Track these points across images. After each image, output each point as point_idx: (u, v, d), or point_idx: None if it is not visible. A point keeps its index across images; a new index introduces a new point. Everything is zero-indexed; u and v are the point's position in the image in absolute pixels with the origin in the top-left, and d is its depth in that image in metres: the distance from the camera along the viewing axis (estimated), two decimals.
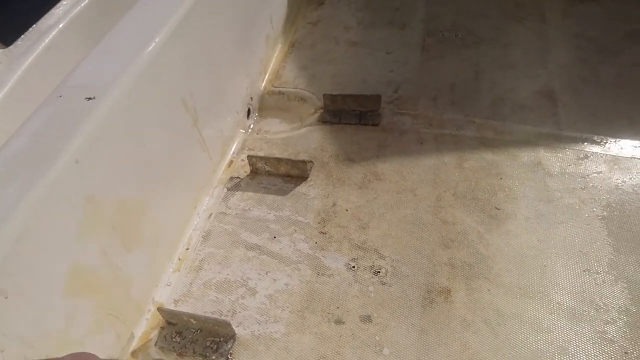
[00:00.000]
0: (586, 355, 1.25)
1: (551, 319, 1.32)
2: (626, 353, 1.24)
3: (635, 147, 1.73)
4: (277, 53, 2.31)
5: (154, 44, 1.39)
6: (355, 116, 1.93)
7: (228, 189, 1.76)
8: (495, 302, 1.37)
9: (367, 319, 1.37)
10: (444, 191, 1.66)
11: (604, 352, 1.25)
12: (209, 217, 1.68)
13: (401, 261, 1.49)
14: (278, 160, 1.75)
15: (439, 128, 1.87)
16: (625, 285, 1.37)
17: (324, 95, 1.95)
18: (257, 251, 1.56)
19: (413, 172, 1.73)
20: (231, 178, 1.80)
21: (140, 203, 1.38)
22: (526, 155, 1.74)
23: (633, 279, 1.38)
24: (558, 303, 1.35)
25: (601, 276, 1.39)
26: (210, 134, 1.73)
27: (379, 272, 1.46)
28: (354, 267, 1.48)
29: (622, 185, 1.62)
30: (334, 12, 2.51)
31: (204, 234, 1.63)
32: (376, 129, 1.90)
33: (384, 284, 1.44)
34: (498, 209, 1.59)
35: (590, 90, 1.95)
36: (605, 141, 1.77)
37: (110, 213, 1.26)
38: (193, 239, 1.62)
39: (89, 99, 1.24)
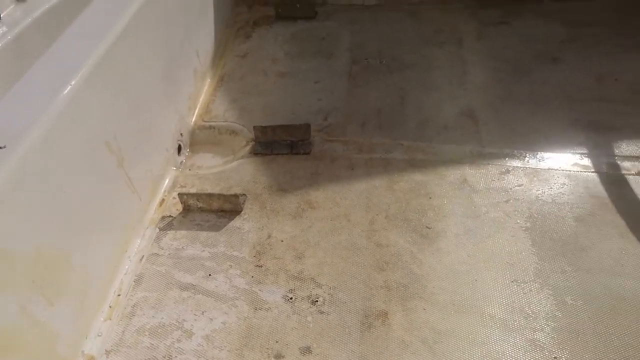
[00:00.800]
0: None
1: (485, 332, 1.36)
2: (555, 358, 1.29)
3: (551, 158, 1.84)
4: (206, 87, 2.30)
5: (69, 87, 1.36)
6: (287, 146, 1.95)
7: (160, 229, 1.72)
8: (431, 320, 1.39)
9: (306, 350, 1.35)
10: (377, 214, 1.69)
11: (536, 359, 1.29)
12: (141, 259, 1.63)
13: (338, 288, 1.49)
14: (210, 195, 1.73)
15: (368, 153, 1.91)
16: (550, 292, 1.43)
17: (254, 127, 1.96)
18: (192, 291, 1.52)
19: (346, 198, 1.75)
20: (163, 217, 1.76)
21: (62, 252, 1.32)
22: (453, 174, 1.81)
23: (557, 285, 1.44)
24: (490, 315, 1.39)
25: (528, 285, 1.45)
26: (138, 174, 1.69)
27: (317, 301, 1.46)
28: (291, 298, 1.47)
29: (542, 196, 1.71)
30: (262, 45, 2.54)
31: (135, 277, 1.58)
32: (308, 157, 1.92)
33: (322, 312, 1.43)
34: (429, 228, 1.63)
35: (507, 108, 2.06)
36: (524, 155, 1.87)
37: (28, 266, 1.19)
38: (124, 284, 1.57)
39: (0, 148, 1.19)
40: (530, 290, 1.44)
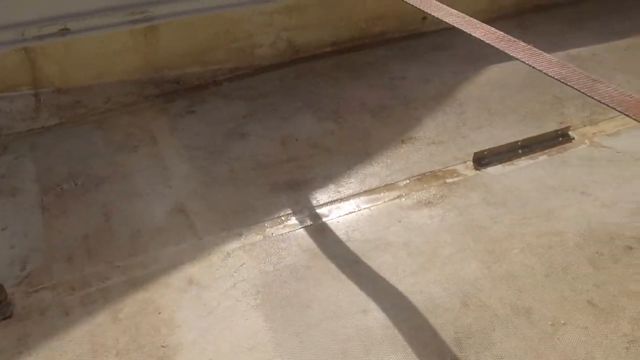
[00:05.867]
0: None
1: None
2: None
3: (263, 228, 1.96)
4: None
5: None
6: None
7: None
8: None
9: None
10: (106, 356, 1.53)
11: None
12: None
13: None
14: None
15: (83, 288, 1.75)
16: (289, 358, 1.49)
17: None
18: None
19: (66, 352, 1.55)
20: None
21: None
22: (177, 278, 1.77)
23: (294, 351, 1.51)
24: None
25: None
26: None
27: None
28: None
29: (265, 268, 1.80)
30: None
31: None
32: (10, 321, 1.65)
33: None
34: (164, 347, 1.55)
35: (213, 192, 2.14)
36: (240, 233, 1.95)
37: None
38: None
39: None
40: None
